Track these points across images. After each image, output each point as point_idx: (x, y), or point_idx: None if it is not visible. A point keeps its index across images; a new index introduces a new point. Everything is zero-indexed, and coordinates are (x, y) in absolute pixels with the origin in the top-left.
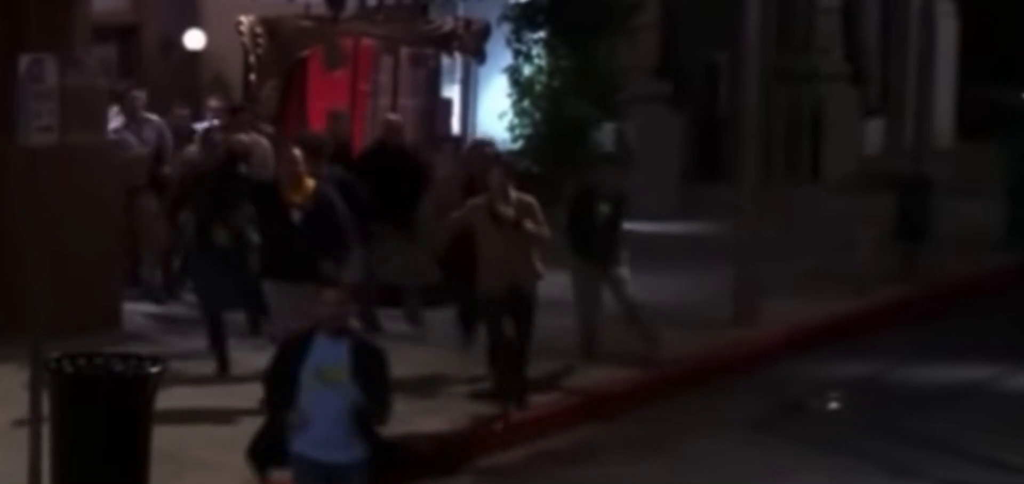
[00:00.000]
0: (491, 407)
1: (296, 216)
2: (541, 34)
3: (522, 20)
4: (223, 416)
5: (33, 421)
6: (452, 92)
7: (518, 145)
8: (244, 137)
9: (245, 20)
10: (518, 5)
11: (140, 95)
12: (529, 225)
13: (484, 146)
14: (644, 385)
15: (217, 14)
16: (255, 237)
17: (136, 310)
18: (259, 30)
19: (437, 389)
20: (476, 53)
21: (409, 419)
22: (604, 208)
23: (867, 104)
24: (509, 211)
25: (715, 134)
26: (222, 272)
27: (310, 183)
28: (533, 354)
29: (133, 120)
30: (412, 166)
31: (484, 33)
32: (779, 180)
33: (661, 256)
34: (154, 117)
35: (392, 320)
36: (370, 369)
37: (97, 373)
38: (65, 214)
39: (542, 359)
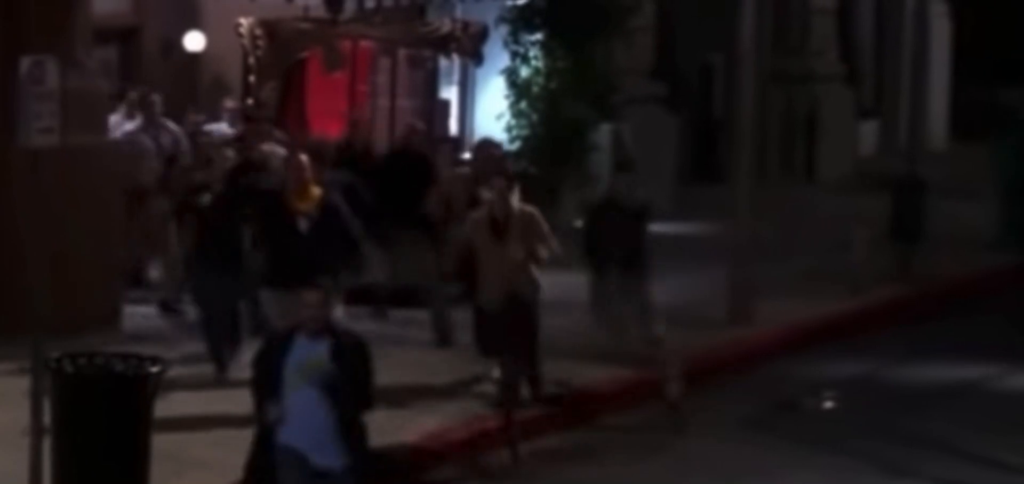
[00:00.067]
0: (493, 408)
1: (303, 224)
2: (538, 36)
3: (519, 22)
4: (223, 416)
5: (34, 420)
6: (450, 93)
7: (515, 146)
8: (266, 147)
9: (245, 22)
10: (515, 7)
11: (157, 99)
12: (542, 252)
13: (491, 147)
14: (644, 385)
15: (217, 16)
16: (250, 243)
17: (136, 310)
18: (259, 32)
19: (438, 390)
20: (473, 55)
21: (410, 420)
22: (626, 218)
23: (862, 105)
24: (519, 253)
25: (711, 135)
26: (220, 275)
27: (316, 191)
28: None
29: (151, 124)
30: (432, 171)
31: (481, 35)
32: (774, 181)
33: (658, 256)
34: (172, 125)
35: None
36: (351, 357)
37: (97, 373)
38: (65, 215)
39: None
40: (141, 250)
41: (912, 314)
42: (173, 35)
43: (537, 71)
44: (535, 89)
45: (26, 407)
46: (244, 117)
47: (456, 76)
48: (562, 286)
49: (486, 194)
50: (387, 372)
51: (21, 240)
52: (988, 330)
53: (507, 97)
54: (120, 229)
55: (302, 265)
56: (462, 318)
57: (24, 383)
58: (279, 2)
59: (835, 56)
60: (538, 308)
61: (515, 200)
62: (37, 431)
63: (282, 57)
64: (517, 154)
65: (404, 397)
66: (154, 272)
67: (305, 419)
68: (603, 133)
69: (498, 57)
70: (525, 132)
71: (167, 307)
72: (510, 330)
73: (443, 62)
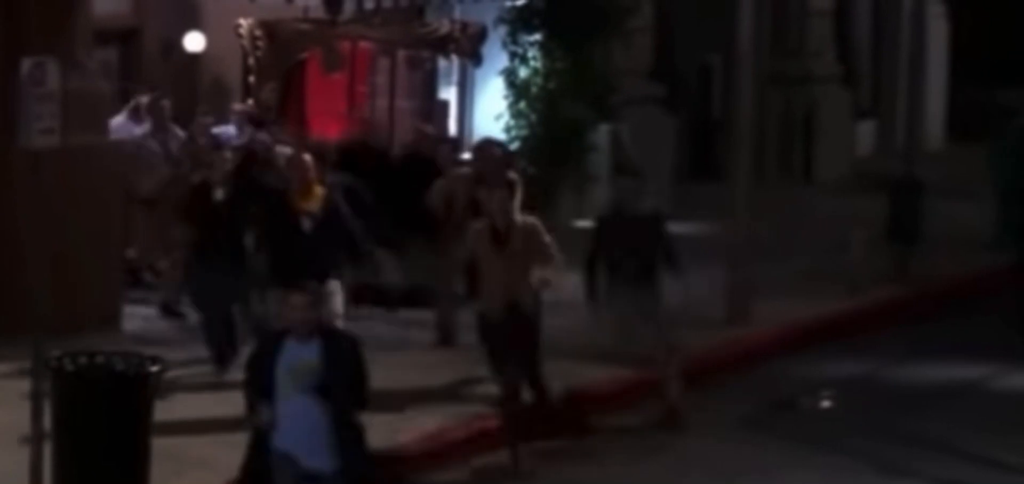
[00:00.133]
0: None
1: (306, 224)
2: (537, 37)
3: (518, 23)
4: (223, 416)
5: (34, 420)
6: (448, 94)
7: (514, 147)
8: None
9: (244, 23)
10: (514, 8)
11: (167, 103)
12: (549, 274)
13: (492, 146)
14: (643, 385)
15: (217, 17)
16: (254, 245)
17: (136, 311)
18: (258, 33)
19: (439, 391)
20: (472, 55)
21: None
22: (636, 227)
23: (859, 106)
24: (541, 277)
25: (709, 136)
26: (221, 275)
27: (320, 190)
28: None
29: (160, 129)
30: (440, 174)
31: (480, 36)
32: (772, 181)
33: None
34: (181, 132)
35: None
36: (343, 355)
37: (98, 372)
38: (66, 215)
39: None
40: (154, 256)
41: (910, 314)
42: (173, 36)
43: (536, 72)
44: (534, 90)
45: (26, 407)
46: (252, 121)
47: (455, 77)
48: (562, 286)
49: (483, 196)
50: (387, 372)
51: (22, 240)
52: (986, 330)
53: (506, 98)
54: (120, 229)
55: (305, 264)
56: (466, 319)
57: (24, 384)
58: (279, 3)
59: (833, 57)
60: (540, 319)
61: (517, 208)
62: (37, 431)
63: (282, 58)
64: (516, 154)
65: (403, 398)
66: (163, 264)
67: (297, 422)
68: (602, 134)
69: (497, 58)
70: (524, 133)
71: (168, 309)
72: (511, 340)
73: (442, 63)
